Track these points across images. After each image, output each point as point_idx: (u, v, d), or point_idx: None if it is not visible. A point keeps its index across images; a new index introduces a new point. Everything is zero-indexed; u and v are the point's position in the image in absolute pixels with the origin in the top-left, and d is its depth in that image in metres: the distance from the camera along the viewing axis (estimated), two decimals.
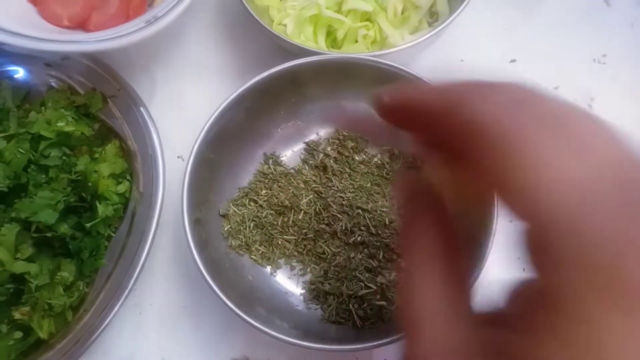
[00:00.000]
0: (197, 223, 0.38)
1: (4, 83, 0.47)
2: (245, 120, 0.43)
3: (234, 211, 0.43)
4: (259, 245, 0.42)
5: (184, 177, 0.38)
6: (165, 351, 0.41)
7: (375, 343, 0.33)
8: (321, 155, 0.45)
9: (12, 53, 0.47)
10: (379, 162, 0.45)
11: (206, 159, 0.40)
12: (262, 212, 0.43)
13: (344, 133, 0.46)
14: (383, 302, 0.38)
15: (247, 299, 0.38)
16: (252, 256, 0.42)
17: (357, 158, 0.45)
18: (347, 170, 0.44)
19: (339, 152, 0.45)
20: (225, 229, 0.42)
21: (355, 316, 0.38)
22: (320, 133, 0.47)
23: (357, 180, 0.44)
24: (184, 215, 0.37)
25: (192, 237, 0.36)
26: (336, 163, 0.45)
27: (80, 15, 0.50)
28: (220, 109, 0.40)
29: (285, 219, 0.42)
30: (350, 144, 0.45)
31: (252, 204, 0.43)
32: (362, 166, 0.45)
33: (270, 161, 0.45)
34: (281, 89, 0.43)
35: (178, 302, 0.43)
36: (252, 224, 0.42)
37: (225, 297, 0.34)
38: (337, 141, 0.46)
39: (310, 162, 0.45)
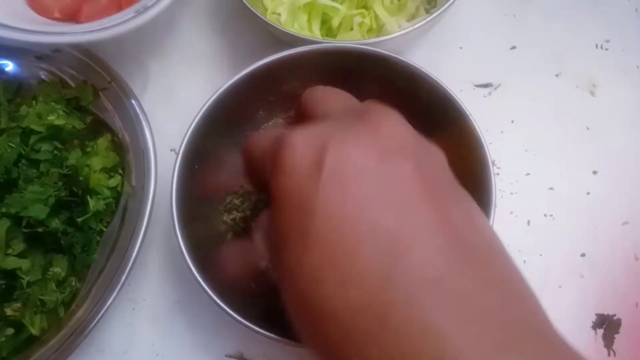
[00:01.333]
0: (189, 222, 0.38)
1: None
2: (225, 125, 0.41)
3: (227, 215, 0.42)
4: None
5: (171, 188, 0.37)
6: (159, 346, 0.41)
7: None
8: None
9: (2, 46, 0.46)
10: None
11: (196, 157, 0.39)
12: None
13: None
14: None
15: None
16: None
17: None
18: None
19: None
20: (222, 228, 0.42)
21: None
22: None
23: None
24: (175, 224, 0.36)
25: (183, 241, 0.36)
26: None
27: (71, 7, 0.49)
28: (202, 111, 0.39)
29: None
30: None
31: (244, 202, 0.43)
32: None
33: None
34: (258, 88, 0.41)
35: (172, 297, 0.42)
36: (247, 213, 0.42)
37: (221, 301, 0.34)
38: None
39: None
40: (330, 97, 0.28)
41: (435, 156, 0.24)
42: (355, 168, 0.21)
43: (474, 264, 0.19)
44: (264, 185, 0.25)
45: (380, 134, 0.22)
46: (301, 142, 0.22)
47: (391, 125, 0.22)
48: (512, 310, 0.19)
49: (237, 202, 0.43)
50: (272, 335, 0.33)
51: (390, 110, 0.23)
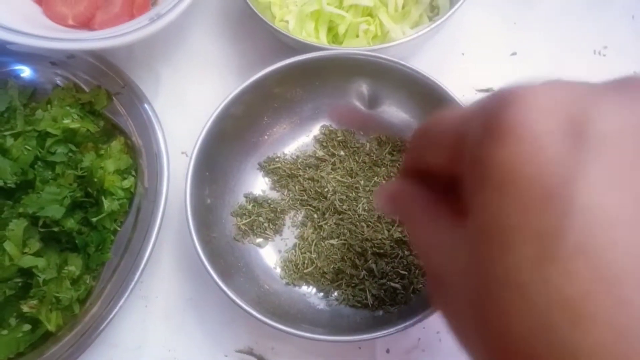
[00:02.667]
0: (202, 225, 0.39)
1: (11, 82, 0.48)
2: (232, 131, 0.43)
3: (238, 220, 0.44)
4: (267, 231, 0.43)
5: (185, 185, 0.38)
6: (171, 342, 0.42)
7: (376, 334, 0.34)
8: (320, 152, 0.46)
9: (18, 52, 0.48)
10: (368, 150, 0.45)
11: (206, 163, 0.41)
12: (270, 214, 0.44)
13: (330, 128, 0.47)
14: (397, 285, 0.39)
15: (259, 297, 0.39)
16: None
17: (342, 153, 0.46)
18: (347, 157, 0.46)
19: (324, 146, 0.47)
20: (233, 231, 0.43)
21: (368, 294, 0.39)
22: (309, 134, 0.48)
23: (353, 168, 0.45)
24: (189, 224, 0.37)
25: (197, 239, 0.37)
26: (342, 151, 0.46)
27: (84, 15, 0.50)
28: (212, 117, 0.40)
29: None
30: (338, 137, 0.46)
31: (256, 207, 0.44)
32: (356, 156, 0.45)
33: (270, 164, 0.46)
34: (264, 95, 0.43)
35: (183, 294, 0.44)
36: (261, 220, 0.44)
37: (234, 295, 0.35)
38: (323, 136, 0.47)
39: (320, 152, 0.46)
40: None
41: None
42: None
43: None
44: (439, 170, 0.19)
45: None
46: (543, 95, 0.15)
47: None
48: None
49: (248, 206, 0.44)
50: (283, 327, 0.34)
51: None
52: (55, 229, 0.40)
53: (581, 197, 0.13)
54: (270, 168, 0.46)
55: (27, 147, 0.43)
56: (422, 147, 0.21)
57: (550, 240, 0.13)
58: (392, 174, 0.44)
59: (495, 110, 0.15)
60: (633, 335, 0.12)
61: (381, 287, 0.39)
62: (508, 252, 0.14)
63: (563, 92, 0.15)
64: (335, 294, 0.40)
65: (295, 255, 0.42)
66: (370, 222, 0.41)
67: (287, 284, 0.41)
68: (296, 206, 0.44)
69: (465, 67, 0.51)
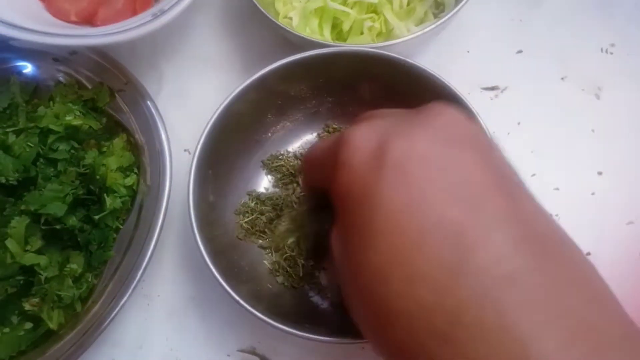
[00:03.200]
0: (205, 223, 0.39)
1: (13, 78, 0.47)
2: (236, 128, 0.43)
3: (241, 218, 0.43)
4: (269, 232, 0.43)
5: (188, 183, 0.38)
6: (173, 341, 0.42)
7: None
8: None
9: (21, 49, 0.47)
10: None
11: (208, 161, 0.40)
12: (273, 213, 0.43)
13: (334, 126, 0.46)
14: None
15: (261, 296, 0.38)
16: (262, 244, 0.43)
17: None
18: None
19: None
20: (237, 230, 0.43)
21: None
22: (313, 132, 0.47)
23: None
24: (192, 221, 0.37)
25: (200, 237, 0.37)
26: None
27: (87, 11, 0.50)
28: (216, 114, 0.40)
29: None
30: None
31: (259, 205, 0.44)
32: None
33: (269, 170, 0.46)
34: (268, 91, 0.43)
35: (186, 293, 0.43)
36: (263, 219, 0.43)
37: (236, 294, 0.35)
38: (327, 134, 0.46)
39: None
40: (386, 109, 0.28)
41: (498, 147, 0.23)
42: (420, 157, 0.20)
43: (553, 260, 0.18)
44: (324, 194, 0.25)
45: (443, 123, 0.21)
46: (360, 137, 0.22)
47: (452, 114, 0.22)
48: (599, 312, 0.17)
49: (251, 204, 0.44)
50: (285, 327, 0.33)
51: (449, 105, 0.23)
52: (57, 227, 0.40)
53: (379, 199, 0.20)
54: (273, 166, 0.45)
55: (29, 144, 0.43)
56: (308, 170, 0.30)
57: (366, 229, 0.20)
58: None
59: (336, 150, 0.23)
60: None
61: None
62: (350, 244, 0.21)
63: (372, 133, 0.22)
64: None
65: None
66: None
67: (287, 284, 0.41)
68: None
69: (471, 65, 0.51)
